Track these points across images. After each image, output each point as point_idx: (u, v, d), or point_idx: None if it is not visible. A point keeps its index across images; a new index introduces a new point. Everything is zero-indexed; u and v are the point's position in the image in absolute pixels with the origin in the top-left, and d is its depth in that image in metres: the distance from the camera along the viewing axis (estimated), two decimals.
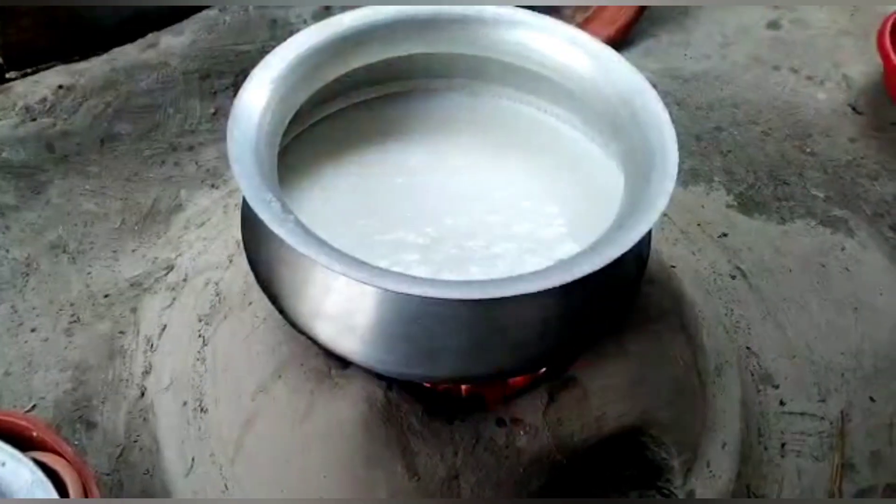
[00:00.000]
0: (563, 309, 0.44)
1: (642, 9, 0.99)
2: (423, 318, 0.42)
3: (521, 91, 0.59)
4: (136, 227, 0.80)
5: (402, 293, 0.38)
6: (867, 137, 0.91)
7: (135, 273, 0.76)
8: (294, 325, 0.46)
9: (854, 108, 0.95)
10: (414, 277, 0.39)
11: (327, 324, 0.45)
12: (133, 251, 0.78)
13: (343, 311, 0.44)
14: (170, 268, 0.77)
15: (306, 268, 0.44)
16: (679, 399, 0.56)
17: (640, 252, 0.48)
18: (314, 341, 0.46)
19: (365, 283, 0.37)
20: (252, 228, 0.48)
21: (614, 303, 0.47)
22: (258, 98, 0.48)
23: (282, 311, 0.47)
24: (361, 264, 0.38)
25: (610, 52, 0.51)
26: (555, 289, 0.38)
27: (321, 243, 0.39)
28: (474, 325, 0.43)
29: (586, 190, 0.56)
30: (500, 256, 0.52)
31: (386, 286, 0.37)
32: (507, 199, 0.55)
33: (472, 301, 0.38)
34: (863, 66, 0.99)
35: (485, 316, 0.43)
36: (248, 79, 0.48)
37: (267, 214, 0.40)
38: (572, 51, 0.52)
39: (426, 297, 0.37)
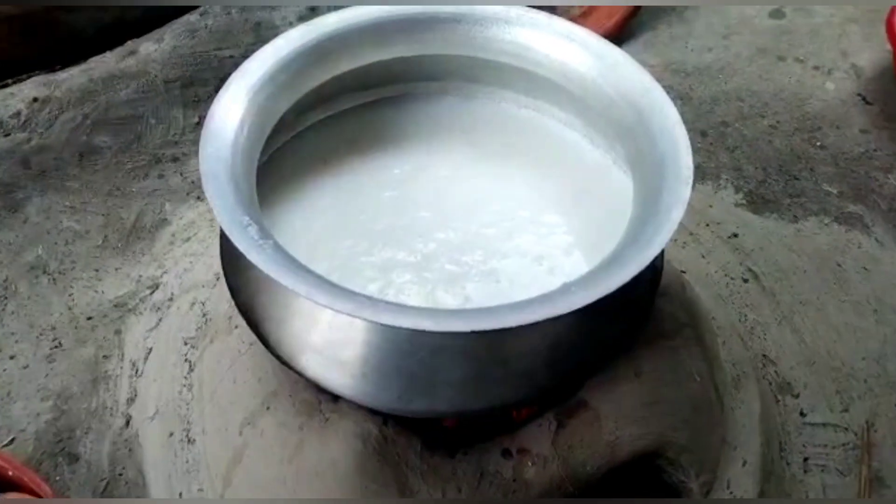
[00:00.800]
0: (572, 334, 0.40)
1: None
2: (417, 351, 0.39)
3: (519, 93, 0.55)
4: (119, 245, 0.76)
5: (391, 326, 0.34)
6: (879, 128, 0.88)
7: (119, 293, 0.73)
8: (278, 357, 0.43)
9: (864, 98, 0.91)
10: (405, 307, 0.35)
11: (314, 357, 0.41)
12: (116, 270, 0.75)
13: (330, 343, 0.40)
14: (155, 286, 0.73)
15: (288, 297, 0.40)
16: (696, 417, 0.53)
17: (654, 265, 0.45)
18: (301, 375, 0.42)
19: (351, 315, 0.34)
20: (230, 252, 0.44)
21: (628, 322, 0.44)
22: (234, 109, 0.44)
23: (265, 342, 0.43)
24: (347, 294, 0.35)
25: (612, 48, 0.47)
26: (564, 314, 0.34)
27: (303, 271, 0.36)
28: (475, 356, 0.39)
29: (591, 197, 0.52)
30: (500, 271, 0.48)
31: (374, 318, 0.34)
32: (505, 209, 0.52)
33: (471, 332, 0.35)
34: (871, 53, 0.96)
35: (486, 345, 0.39)
36: (224, 88, 0.45)
37: (242, 240, 0.36)
38: (572, 49, 0.48)
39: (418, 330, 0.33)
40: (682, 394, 0.52)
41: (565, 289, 0.36)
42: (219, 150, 0.41)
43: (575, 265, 0.48)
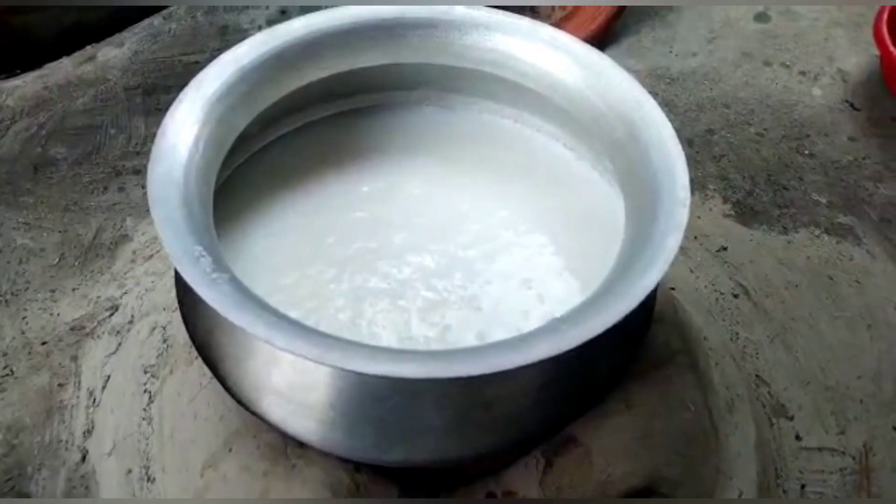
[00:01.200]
0: (562, 372, 0.37)
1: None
2: (392, 395, 0.35)
3: (501, 104, 0.52)
4: (76, 263, 0.72)
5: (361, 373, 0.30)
6: (867, 136, 0.86)
7: (76, 315, 0.68)
8: (238, 400, 0.39)
9: (852, 105, 0.89)
10: (377, 350, 0.31)
11: (276, 401, 0.37)
12: (74, 290, 0.70)
13: (294, 386, 0.37)
14: (114, 308, 0.69)
15: (246, 335, 0.37)
16: (690, 449, 0.50)
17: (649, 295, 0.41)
18: (262, 420, 0.38)
19: (316, 362, 0.30)
20: (184, 282, 0.40)
21: (622, 355, 0.40)
22: (189, 124, 0.41)
23: (223, 382, 0.39)
24: (311, 336, 0.31)
25: (601, 57, 0.44)
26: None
27: (261, 309, 0.32)
28: (456, 400, 0.36)
29: (579, 215, 0.49)
30: (482, 297, 0.45)
31: (343, 365, 0.30)
32: (486, 229, 0.48)
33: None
34: (857, 58, 0.94)
35: (468, 389, 0.36)
36: (177, 101, 0.41)
37: (193, 273, 0.32)
38: (557, 57, 0.45)
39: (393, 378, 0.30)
40: (676, 425, 0.49)
41: (554, 326, 0.32)
42: (170, 170, 0.37)
43: (566, 290, 0.44)
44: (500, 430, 0.37)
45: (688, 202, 0.36)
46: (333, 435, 0.36)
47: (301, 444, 0.41)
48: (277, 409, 0.37)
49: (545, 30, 0.45)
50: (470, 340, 0.41)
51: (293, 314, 0.33)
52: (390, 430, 0.36)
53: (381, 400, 0.35)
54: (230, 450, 0.45)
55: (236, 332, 0.37)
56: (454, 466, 0.42)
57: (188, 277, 0.32)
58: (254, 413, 0.39)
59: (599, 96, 0.43)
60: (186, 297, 0.41)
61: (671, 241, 0.34)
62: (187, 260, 0.33)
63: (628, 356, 0.41)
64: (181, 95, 0.41)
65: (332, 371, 0.35)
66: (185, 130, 0.39)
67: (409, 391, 0.35)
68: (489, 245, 0.47)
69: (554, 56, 0.45)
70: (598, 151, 0.48)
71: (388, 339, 0.41)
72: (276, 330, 0.31)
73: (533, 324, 0.37)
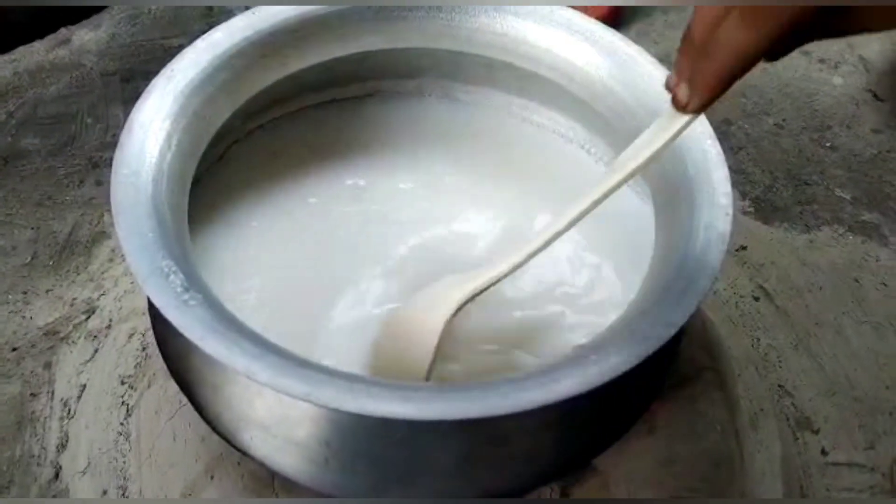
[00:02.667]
0: (585, 403, 0.33)
1: None
2: (393, 431, 0.30)
3: (510, 94, 0.47)
4: (50, 262, 0.67)
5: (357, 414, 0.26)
6: (892, 128, 0.81)
7: (49, 319, 0.64)
8: (217, 432, 0.34)
9: (875, 95, 0.84)
10: (375, 385, 0.27)
11: (260, 435, 0.33)
12: (48, 292, 0.66)
13: (280, 420, 0.32)
14: (91, 311, 0.64)
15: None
16: (716, 473, 0.46)
17: None
18: (245, 454, 0.34)
19: (305, 400, 0.26)
20: None
21: (652, 381, 0.36)
22: (159, 119, 0.36)
23: (200, 411, 0.35)
24: (297, 369, 0.26)
25: (626, 43, 0.39)
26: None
27: (239, 337, 0.27)
28: (466, 435, 0.31)
29: (595, 218, 0.44)
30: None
31: (336, 405, 0.25)
32: (491, 234, 0.44)
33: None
34: (879, 45, 0.89)
35: (479, 425, 0.31)
36: (144, 95, 0.36)
37: (161, 294, 0.28)
38: (576, 43, 0.40)
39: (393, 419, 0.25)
40: (701, 448, 0.44)
41: (581, 356, 0.28)
42: (137, 173, 0.32)
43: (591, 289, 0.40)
44: (514, 468, 0.33)
45: (730, 211, 0.32)
46: (326, 475, 0.32)
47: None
48: (262, 445, 0.33)
49: (563, 12, 0.40)
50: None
51: (276, 334, 0.29)
52: (390, 470, 0.32)
53: (380, 436, 0.31)
54: (212, 477, 0.40)
55: (212, 358, 0.33)
56: None
57: (156, 300, 0.28)
58: (235, 447, 0.34)
59: (624, 87, 0.39)
60: (158, 315, 0.36)
61: (713, 258, 0.30)
62: (155, 279, 0.28)
63: (658, 381, 0.37)
64: (149, 87, 0.36)
65: None
66: (154, 126, 0.35)
67: (413, 427, 0.31)
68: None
69: (573, 41, 0.40)
70: (620, 148, 0.43)
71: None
72: (257, 362, 0.26)
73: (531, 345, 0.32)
